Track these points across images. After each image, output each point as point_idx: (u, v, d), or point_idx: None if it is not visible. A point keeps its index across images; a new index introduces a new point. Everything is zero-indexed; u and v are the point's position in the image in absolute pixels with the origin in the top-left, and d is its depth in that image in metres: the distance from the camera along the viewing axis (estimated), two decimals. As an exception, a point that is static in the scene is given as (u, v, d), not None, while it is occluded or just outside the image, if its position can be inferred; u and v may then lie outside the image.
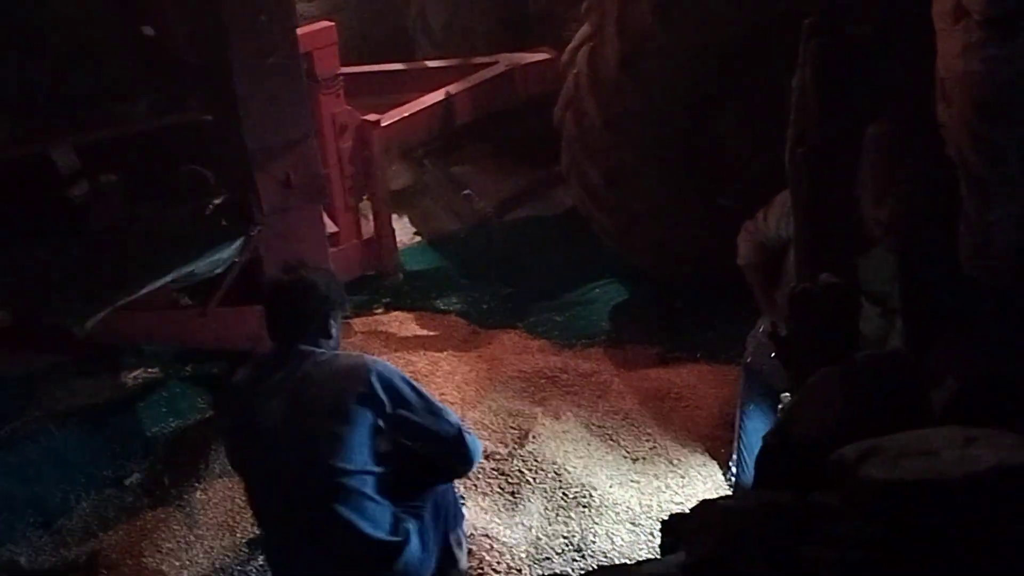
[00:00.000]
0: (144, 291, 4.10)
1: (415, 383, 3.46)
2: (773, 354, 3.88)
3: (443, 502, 3.65)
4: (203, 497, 4.31)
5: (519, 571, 3.88)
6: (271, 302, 3.48)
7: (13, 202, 4.11)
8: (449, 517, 3.64)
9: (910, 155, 3.75)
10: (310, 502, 3.31)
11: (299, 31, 4.34)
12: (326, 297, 3.46)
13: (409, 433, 3.43)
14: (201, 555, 4.06)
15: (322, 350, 3.41)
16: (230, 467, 4.21)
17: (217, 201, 4.26)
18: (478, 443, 3.65)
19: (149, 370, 4.99)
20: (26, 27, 4.03)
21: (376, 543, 3.35)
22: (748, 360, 4.41)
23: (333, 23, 4.87)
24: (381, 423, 3.32)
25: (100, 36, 4.15)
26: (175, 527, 4.17)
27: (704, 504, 2.75)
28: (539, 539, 4.00)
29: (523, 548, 3.96)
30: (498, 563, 3.91)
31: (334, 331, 3.51)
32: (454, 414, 3.55)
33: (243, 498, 4.25)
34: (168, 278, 4.16)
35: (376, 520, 3.35)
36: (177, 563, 4.01)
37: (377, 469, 3.37)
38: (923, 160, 3.84)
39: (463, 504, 3.94)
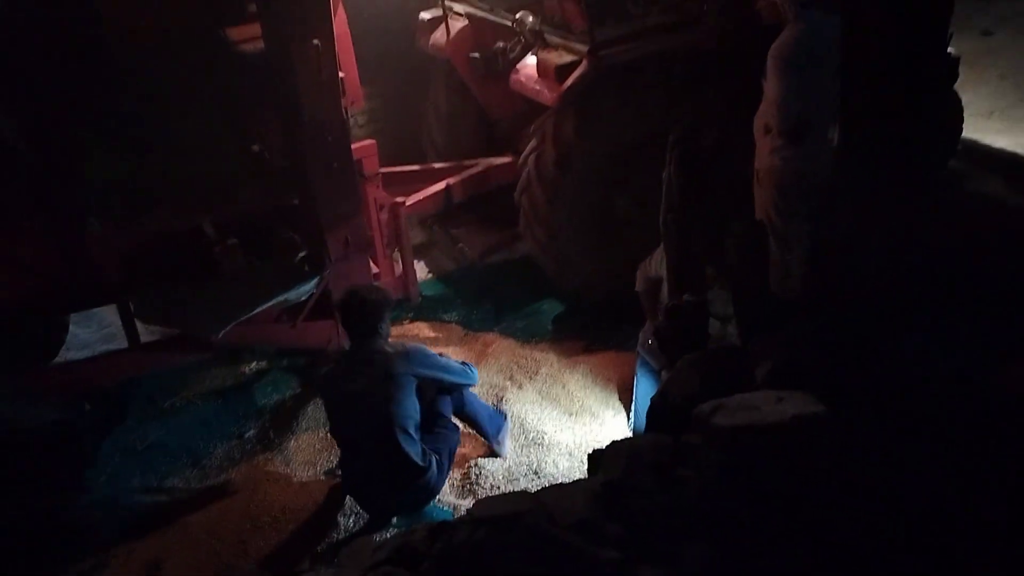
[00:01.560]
0: (255, 311, 4.05)
1: (431, 352, 3.75)
2: (655, 344, 3.88)
3: (452, 446, 3.80)
4: (295, 444, 4.22)
5: (497, 488, 3.83)
6: (344, 312, 3.64)
7: (174, 255, 4.06)
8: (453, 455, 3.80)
9: (737, 220, 3.76)
10: (377, 437, 3.49)
11: (353, 146, 4.28)
12: (377, 306, 3.60)
13: (434, 380, 3.69)
14: (295, 481, 3.99)
15: (380, 339, 3.60)
16: (321, 421, 4.23)
17: (302, 254, 4.22)
18: (475, 371, 3.94)
19: (259, 362, 4.87)
20: (180, 145, 3.95)
21: (413, 464, 3.53)
22: (640, 349, 4.40)
23: (374, 141, 4.81)
24: (416, 381, 3.56)
25: (225, 150, 4.08)
26: (278, 464, 4.09)
27: (614, 442, 2.73)
28: (510, 467, 3.94)
29: (499, 473, 3.90)
30: (483, 482, 3.86)
31: (384, 327, 3.65)
32: (456, 362, 3.84)
33: (321, 444, 4.21)
34: (271, 303, 4.10)
35: (414, 450, 3.53)
36: (280, 488, 3.93)
37: (416, 416, 3.57)
38: (745, 221, 3.86)
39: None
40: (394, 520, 3.66)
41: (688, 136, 3.39)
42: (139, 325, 4.26)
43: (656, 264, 4.15)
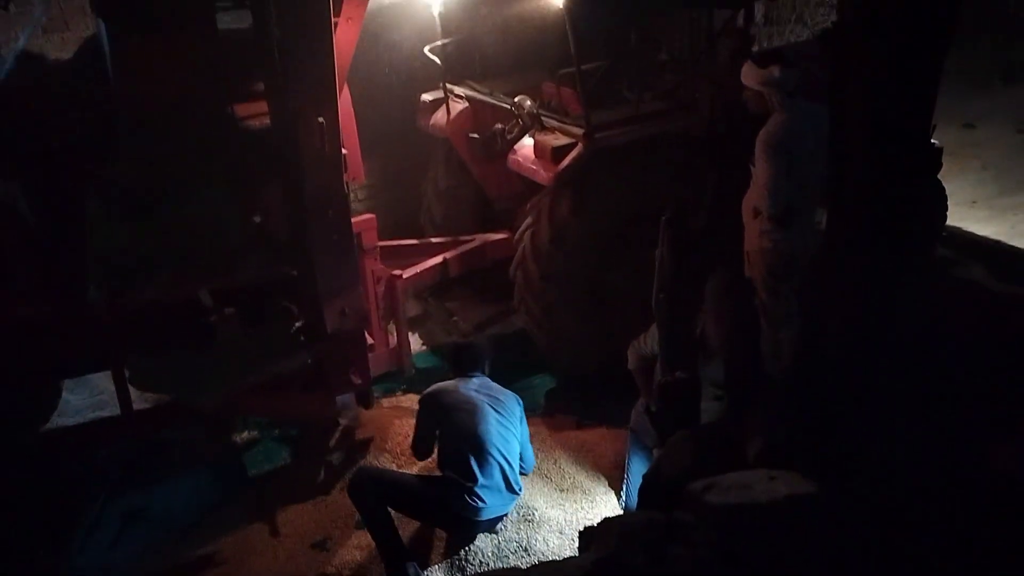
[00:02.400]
0: (249, 381, 4.03)
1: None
2: (647, 421, 3.87)
3: None
4: (283, 516, 4.16)
5: (487, 564, 3.76)
6: (458, 353, 4.26)
7: (170, 322, 4.03)
8: None
9: (730, 301, 3.80)
10: (491, 449, 3.83)
11: (353, 219, 4.33)
12: (483, 351, 4.25)
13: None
14: (282, 553, 3.91)
15: (481, 374, 4.16)
16: (311, 493, 4.22)
17: (298, 324, 4.22)
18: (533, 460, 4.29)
19: (251, 432, 4.84)
20: (183, 215, 3.98)
21: (515, 482, 3.94)
22: (632, 426, 4.38)
23: (373, 215, 4.88)
24: (518, 423, 4.07)
25: (227, 221, 4.12)
26: (266, 535, 4.04)
27: (606, 519, 2.71)
28: (499, 544, 3.87)
29: (488, 550, 3.84)
30: (472, 559, 3.79)
31: (487, 366, 4.22)
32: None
33: (310, 516, 4.14)
34: (266, 372, 4.08)
35: (516, 472, 3.96)
36: (266, 560, 3.85)
37: (516, 445, 4.01)
38: (738, 302, 3.90)
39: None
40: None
41: (680, 217, 3.46)
42: (132, 391, 4.23)
43: (649, 342, 4.17)
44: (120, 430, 4.31)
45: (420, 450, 4.07)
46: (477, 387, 4.05)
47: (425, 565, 3.76)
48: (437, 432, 3.97)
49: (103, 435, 4.34)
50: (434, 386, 4.10)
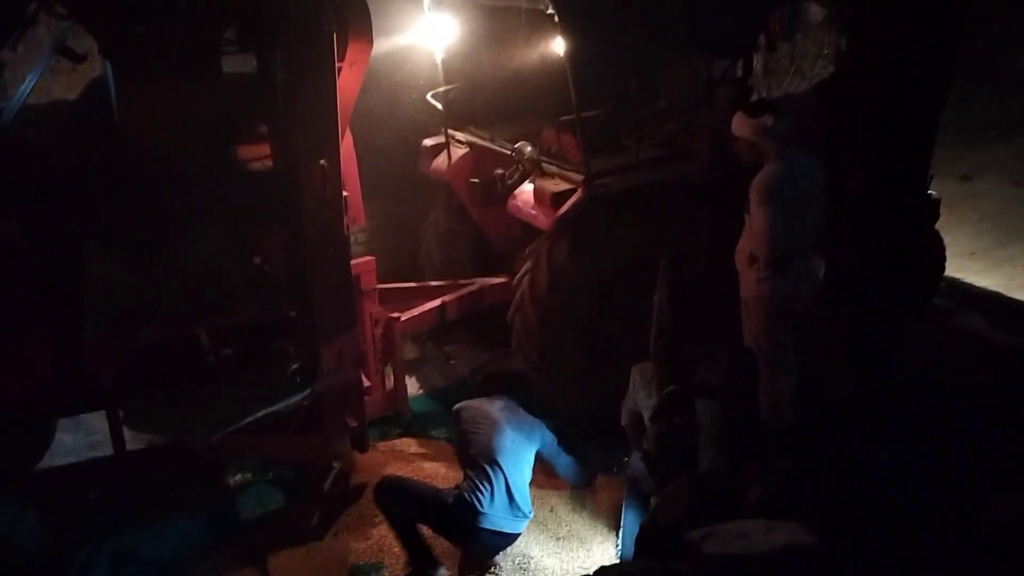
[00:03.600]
0: (245, 421, 3.99)
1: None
2: (644, 468, 3.83)
3: None
4: (276, 560, 4.10)
5: (482, 612, 3.71)
6: (488, 377, 4.57)
7: (167, 362, 4.03)
8: None
9: (728, 344, 3.80)
10: (499, 461, 3.97)
11: (352, 262, 4.35)
12: (512, 377, 4.59)
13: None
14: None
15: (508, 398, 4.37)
16: (303, 538, 4.20)
17: (295, 366, 4.21)
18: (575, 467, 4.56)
19: (244, 474, 4.78)
20: (183, 256, 3.99)
21: (522, 502, 4.02)
22: (629, 473, 4.34)
23: (373, 257, 4.90)
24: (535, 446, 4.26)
25: (227, 263, 4.12)
26: (257, 579, 3.98)
27: (602, 568, 2.67)
28: (493, 591, 3.83)
29: (484, 599, 3.79)
30: (467, 607, 3.73)
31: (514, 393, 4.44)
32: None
33: (302, 560, 4.08)
34: (261, 414, 4.03)
35: (525, 494, 4.07)
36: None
37: (527, 467, 4.14)
38: (735, 350, 3.89)
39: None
40: None
41: (678, 262, 3.48)
42: (127, 432, 4.20)
43: (634, 401, 4.18)
44: (114, 471, 4.27)
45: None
46: (500, 408, 4.25)
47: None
48: (458, 445, 4.19)
49: (96, 476, 4.30)
50: (461, 402, 4.35)
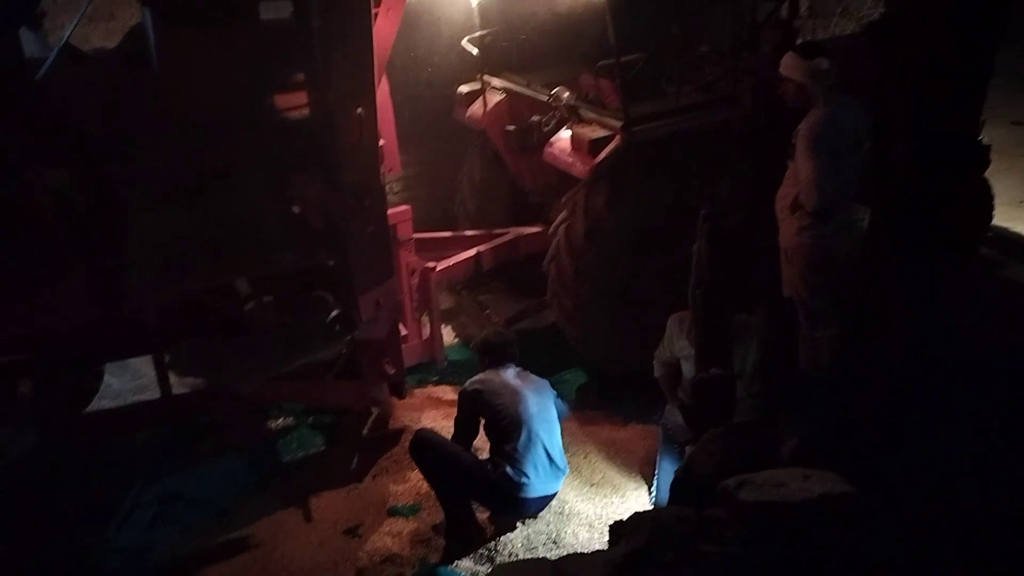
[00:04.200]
0: (285, 368, 4.09)
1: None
2: (680, 418, 3.85)
3: None
4: (317, 501, 4.23)
5: (516, 555, 3.79)
6: (493, 346, 4.28)
7: (209, 310, 4.10)
8: None
9: (767, 295, 3.78)
10: (533, 430, 3.96)
11: (388, 211, 4.37)
12: (513, 342, 4.33)
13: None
14: (315, 538, 3.98)
15: (514, 364, 4.25)
16: (344, 479, 4.30)
17: (334, 314, 4.26)
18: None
19: (286, 419, 4.91)
20: (223, 205, 4.03)
21: (559, 460, 4.07)
22: (664, 422, 4.38)
23: (409, 207, 4.91)
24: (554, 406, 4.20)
25: (266, 212, 4.16)
26: (299, 521, 4.11)
27: (637, 514, 2.71)
28: (529, 535, 3.91)
29: (519, 541, 3.88)
30: (502, 550, 3.83)
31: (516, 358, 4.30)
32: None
33: (343, 503, 4.21)
34: (301, 360, 4.13)
35: (560, 451, 4.12)
36: (300, 545, 3.93)
37: (557, 426, 4.16)
38: (774, 297, 3.87)
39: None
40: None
41: (719, 211, 3.44)
42: (172, 376, 4.32)
43: (668, 345, 4.17)
44: (160, 414, 4.42)
45: (461, 438, 4.12)
46: (514, 375, 4.17)
47: (455, 556, 3.80)
48: (481, 420, 4.09)
49: (143, 418, 4.45)
50: (473, 378, 4.18)
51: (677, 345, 4.22)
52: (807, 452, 2.71)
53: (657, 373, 4.46)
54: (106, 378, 5.10)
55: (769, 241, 4.27)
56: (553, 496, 4.09)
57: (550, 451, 4.02)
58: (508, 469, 3.90)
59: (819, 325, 4.11)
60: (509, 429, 3.97)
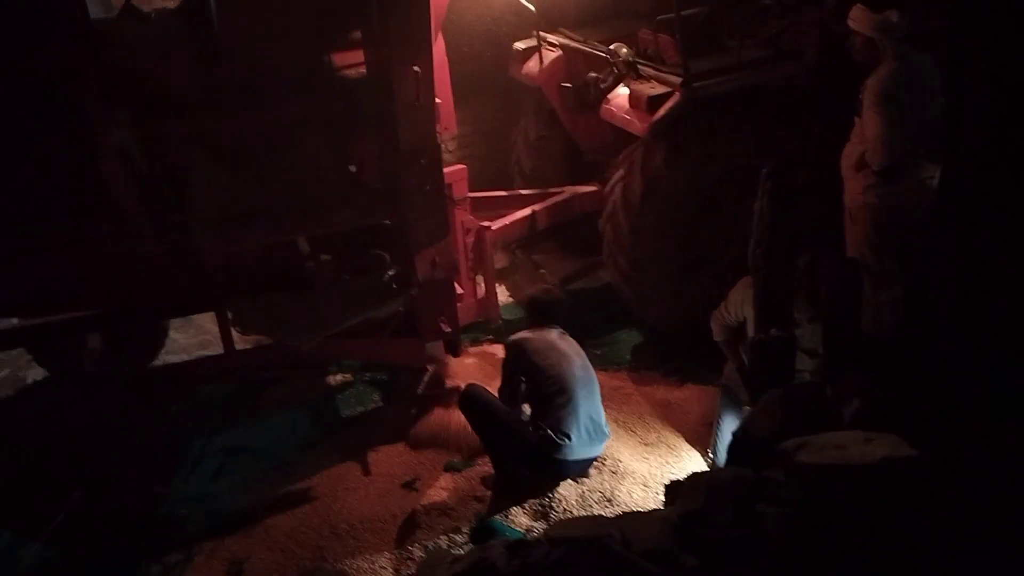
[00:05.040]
0: (345, 325, 4.17)
1: None
2: (740, 379, 3.83)
3: None
4: (375, 456, 4.35)
5: (570, 512, 3.84)
6: (544, 305, 4.29)
7: (270, 267, 4.19)
8: None
9: (830, 255, 3.71)
10: (576, 391, 3.96)
11: (445, 170, 4.39)
12: (564, 304, 4.36)
13: None
14: (373, 491, 4.11)
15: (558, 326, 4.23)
16: (401, 434, 4.42)
17: (391, 273, 4.33)
18: None
19: (344, 375, 5.04)
20: (282, 163, 4.10)
21: (602, 424, 4.08)
22: (724, 381, 4.36)
23: (464, 166, 4.93)
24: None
25: (324, 171, 4.21)
26: (358, 474, 4.24)
27: (694, 474, 2.74)
28: (584, 493, 3.95)
29: (573, 498, 3.92)
30: (556, 507, 3.88)
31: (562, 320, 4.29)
32: None
33: (400, 457, 4.31)
34: (359, 317, 4.21)
35: (601, 415, 4.12)
36: (358, 497, 4.06)
37: (598, 389, 4.15)
38: (838, 260, 3.80)
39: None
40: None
41: (782, 170, 3.38)
42: (234, 332, 4.45)
43: (732, 310, 4.11)
44: (223, 368, 4.56)
45: (505, 395, 4.17)
46: (558, 335, 4.17)
47: (508, 515, 3.86)
48: (522, 378, 4.09)
49: (207, 373, 4.60)
50: (518, 334, 4.20)
51: (746, 310, 4.16)
52: (869, 415, 2.68)
53: (718, 337, 4.42)
54: (171, 334, 5.28)
55: (833, 200, 4.18)
56: (593, 459, 4.09)
57: (593, 415, 4.03)
58: (549, 431, 3.91)
59: (883, 287, 4.03)
60: (552, 390, 3.97)
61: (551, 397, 3.98)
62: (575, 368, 4.04)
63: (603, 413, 4.15)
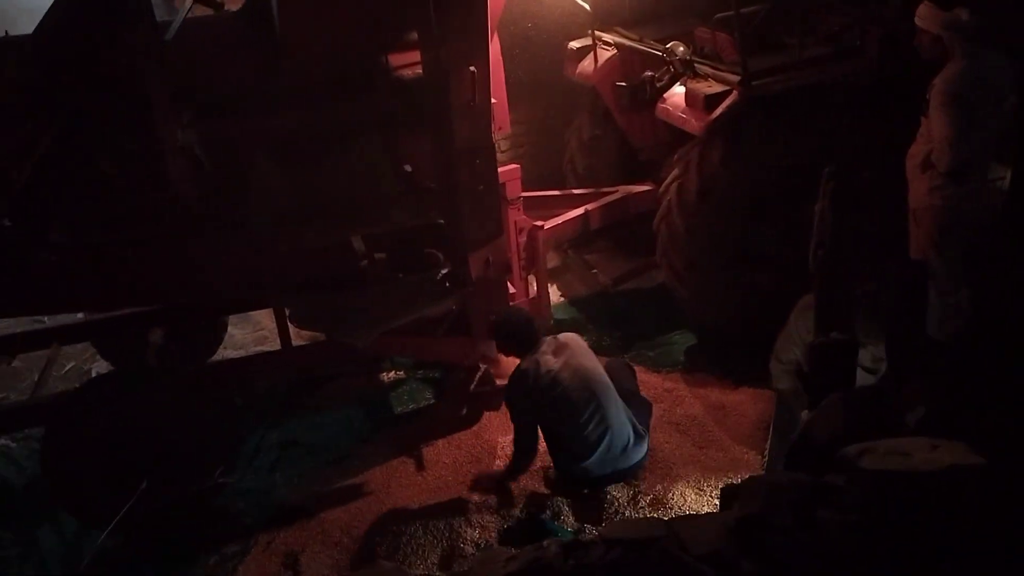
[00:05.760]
0: (397, 323, 4.21)
1: None
2: (798, 384, 3.75)
3: None
4: (428, 452, 4.39)
5: (622, 514, 3.84)
6: (517, 330, 4.15)
7: (326, 265, 4.20)
8: None
9: (894, 257, 3.64)
10: (603, 414, 3.90)
11: (499, 170, 4.41)
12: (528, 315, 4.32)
13: None
14: (426, 487, 4.15)
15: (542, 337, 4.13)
16: (449, 430, 4.46)
17: (444, 271, 4.36)
18: None
19: (397, 372, 5.10)
20: (338, 163, 4.16)
21: (636, 425, 4.03)
22: (779, 387, 4.28)
23: (518, 165, 4.94)
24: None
25: (380, 171, 4.27)
26: (412, 469, 4.29)
27: (752, 478, 2.71)
28: (635, 495, 3.94)
29: (625, 500, 3.92)
30: (608, 508, 3.88)
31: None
32: None
33: (454, 455, 4.34)
34: (412, 316, 4.25)
35: (629, 415, 4.05)
36: (412, 492, 4.10)
37: (612, 386, 4.03)
38: (902, 263, 3.72)
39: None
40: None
41: (844, 170, 3.32)
42: (291, 328, 4.54)
43: (793, 349, 3.92)
44: (280, 364, 4.66)
45: (524, 447, 4.07)
46: (553, 352, 4.03)
47: (559, 514, 3.87)
48: (537, 425, 4.02)
49: (264, 368, 4.70)
50: (512, 381, 4.05)
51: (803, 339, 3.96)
52: (935, 421, 2.62)
53: (782, 385, 4.04)
54: (230, 329, 5.40)
55: (897, 200, 4.09)
56: (640, 462, 4.04)
57: (630, 422, 3.98)
58: (583, 464, 3.88)
59: (948, 290, 3.93)
60: (581, 419, 3.86)
61: (583, 424, 3.88)
62: (589, 381, 3.90)
63: (628, 412, 4.01)
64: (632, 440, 4.00)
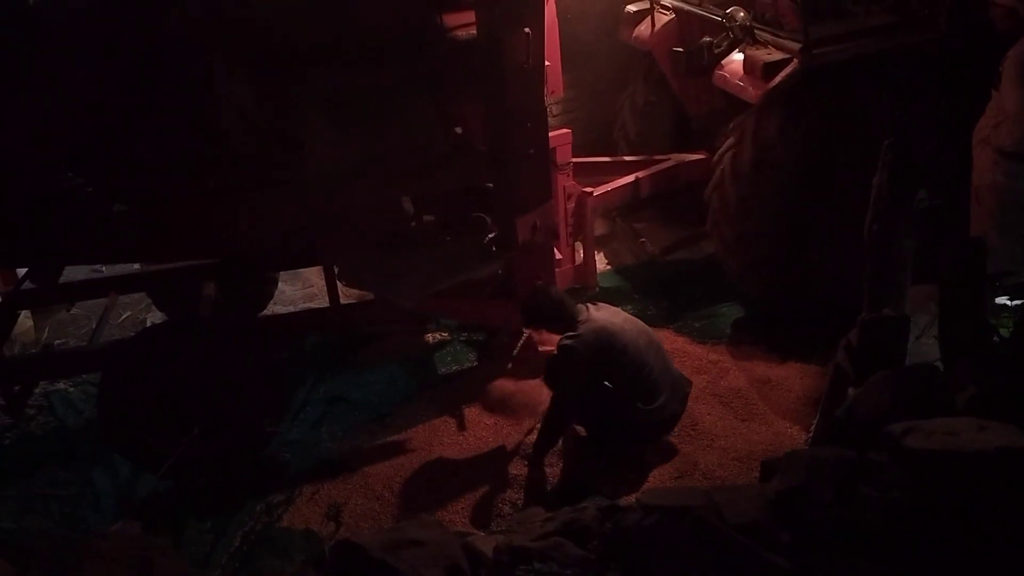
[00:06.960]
0: (443, 285, 4.26)
1: None
2: (846, 359, 3.70)
3: None
4: (470, 412, 4.45)
5: (661, 482, 3.86)
6: (555, 302, 4.06)
7: (375, 226, 4.25)
8: None
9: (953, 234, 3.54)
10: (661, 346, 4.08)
11: (550, 134, 4.39)
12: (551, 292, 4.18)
13: None
14: (467, 447, 4.23)
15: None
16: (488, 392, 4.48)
17: (492, 235, 4.38)
18: None
19: (442, 333, 5.17)
20: (389, 123, 4.18)
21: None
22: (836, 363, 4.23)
23: (568, 130, 4.92)
24: None
25: (431, 132, 4.27)
26: (454, 428, 4.37)
27: (794, 451, 2.70)
28: (677, 464, 3.96)
29: (665, 469, 3.94)
30: (647, 476, 3.90)
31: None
32: None
33: (494, 417, 4.40)
34: (460, 278, 4.29)
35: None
36: (454, 451, 4.19)
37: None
38: (960, 237, 3.61)
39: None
40: None
41: (905, 143, 3.24)
42: (340, 287, 4.62)
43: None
44: (328, 321, 4.75)
45: (556, 427, 3.98)
46: (598, 311, 4.04)
47: (598, 483, 3.89)
48: (579, 403, 3.97)
49: (313, 324, 4.80)
50: (562, 356, 3.90)
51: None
52: (985, 402, 2.57)
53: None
54: (280, 285, 5.51)
55: (959, 177, 3.97)
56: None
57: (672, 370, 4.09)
58: (656, 404, 3.93)
59: (1007, 271, 3.84)
60: (634, 379, 3.88)
61: (638, 384, 3.89)
62: (639, 340, 3.95)
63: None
64: (687, 391, 4.11)
